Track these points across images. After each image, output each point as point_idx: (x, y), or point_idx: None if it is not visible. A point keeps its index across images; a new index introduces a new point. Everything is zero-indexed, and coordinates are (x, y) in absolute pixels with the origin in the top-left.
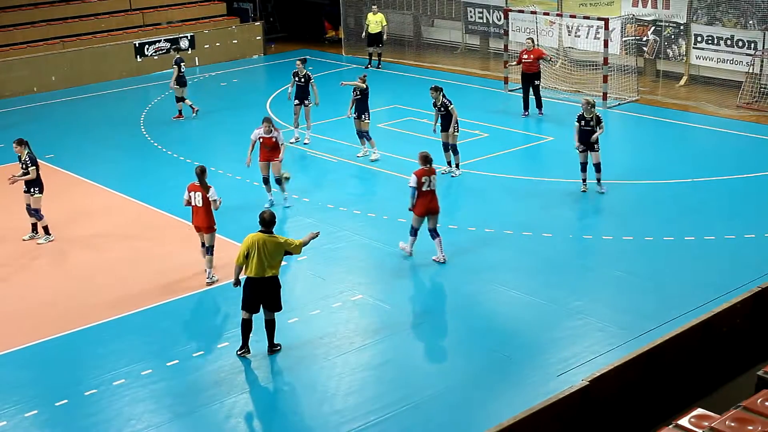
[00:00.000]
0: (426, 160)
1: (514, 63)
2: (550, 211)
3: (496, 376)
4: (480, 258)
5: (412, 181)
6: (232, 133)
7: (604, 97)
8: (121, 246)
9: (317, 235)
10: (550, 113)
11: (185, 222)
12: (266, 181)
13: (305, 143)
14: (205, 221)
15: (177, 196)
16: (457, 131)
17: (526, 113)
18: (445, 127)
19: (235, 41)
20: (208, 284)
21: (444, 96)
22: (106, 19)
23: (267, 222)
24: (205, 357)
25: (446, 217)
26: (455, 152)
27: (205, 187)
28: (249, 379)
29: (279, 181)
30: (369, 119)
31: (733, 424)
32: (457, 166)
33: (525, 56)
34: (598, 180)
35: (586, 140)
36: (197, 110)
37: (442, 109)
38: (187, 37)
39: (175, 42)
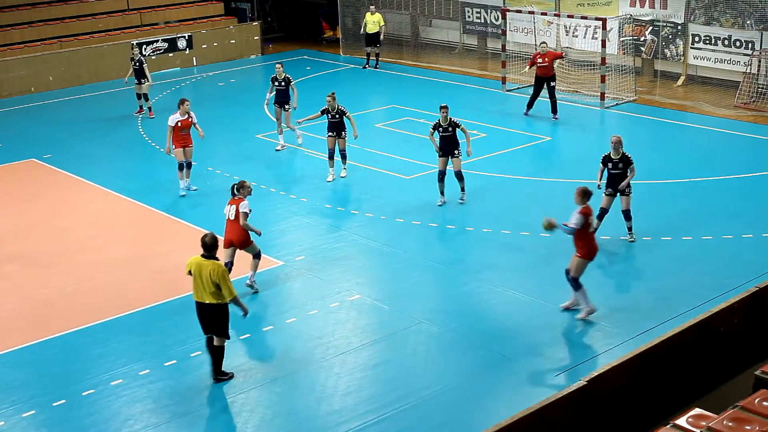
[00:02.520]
0: (587, 195)
1: (527, 68)
2: (548, 211)
3: (494, 376)
4: (478, 258)
5: (578, 220)
6: (229, 132)
7: (602, 97)
8: (118, 246)
9: (246, 314)
10: (547, 113)
11: (182, 222)
12: (182, 167)
13: (299, 143)
14: (236, 235)
15: (175, 196)
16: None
17: (528, 113)
18: (448, 152)
19: (233, 41)
20: (248, 285)
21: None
22: (104, 19)
23: (207, 246)
24: (203, 357)
25: (444, 218)
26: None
27: (237, 200)
28: (247, 379)
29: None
30: (357, 132)
31: (730, 424)
32: (462, 189)
33: (540, 60)
34: (629, 229)
35: (615, 185)
36: (142, 112)
37: (450, 129)
38: (184, 37)
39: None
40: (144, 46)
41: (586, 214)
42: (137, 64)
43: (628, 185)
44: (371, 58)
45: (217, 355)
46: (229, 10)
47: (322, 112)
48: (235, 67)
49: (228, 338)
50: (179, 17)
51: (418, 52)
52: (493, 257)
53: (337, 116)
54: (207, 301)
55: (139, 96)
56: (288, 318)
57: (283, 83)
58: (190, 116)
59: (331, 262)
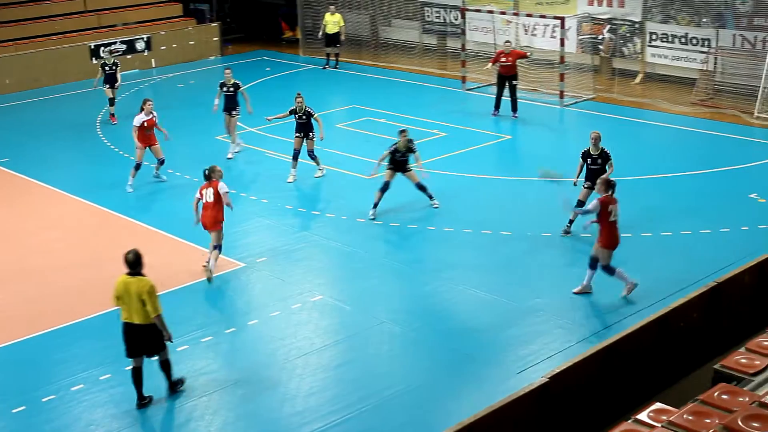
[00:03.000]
0: (610, 186)
1: (489, 65)
2: (508, 210)
3: (456, 374)
4: (440, 257)
5: (593, 206)
6: (189, 134)
7: (561, 95)
8: (77, 250)
9: (169, 339)
10: (507, 112)
11: (142, 224)
12: (138, 167)
13: (228, 158)
14: (211, 219)
15: (134, 199)
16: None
17: (497, 113)
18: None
19: (192, 42)
20: (204, 267)
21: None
22: (61, 21)
23: (130, 263)
24: None
25: (406, 217)
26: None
27: (213, 183)
28: (209, 381)
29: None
30: (323, 134)
31: (690, 418)
32: (430, 197)
33: (503, 59)
34: None
35: (593, 179)
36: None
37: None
38: (143, 38)
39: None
40: (102, 48)
41: (604, 203)
42: (113, 68)
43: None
44: (331, 58)
45: (166, 368)
46: (187, 11)
47: (290, 112)
48: (195, 69)
49: (166, 348)
50: (137, 19)
51: (377, 52)
52: (454, 256)
53: (304, 117)
54: (137, 321)
55: (112, 99)
56: (250, 320)
57: (231, 89)
58: (153, 115)
59: (292, 263)
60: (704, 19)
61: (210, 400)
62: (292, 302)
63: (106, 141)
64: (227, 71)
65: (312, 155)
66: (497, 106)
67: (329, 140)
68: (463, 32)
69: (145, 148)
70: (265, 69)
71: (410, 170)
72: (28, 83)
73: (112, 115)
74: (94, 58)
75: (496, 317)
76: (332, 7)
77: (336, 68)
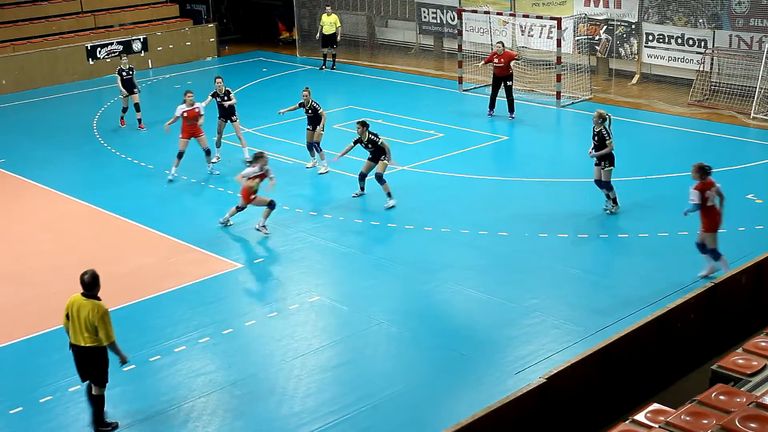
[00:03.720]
0: (704, 171)
1: (481, 63)
2: (506, 210)
3: (453, 375)
4: (437, 258)
5: (694, 196)
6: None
7: (558, 95)
8: (74, 251)
9: (124, 362)
10: (504, 113)
11: (138, 225)
12: (181, 155)
13: (248, 161)
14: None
15: (131, 199)
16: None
17: (492, 113)
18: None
19: (189, 43)
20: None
21: (371, 133)
22: (57, 22)
23: (85, 284)
24: (162, 361)
25: (403, 219)
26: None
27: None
28: (206, 383)
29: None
30: (323, 130)
31: (688, 419)
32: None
33: (496, 60)
34: (607, 197)
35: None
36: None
37: (370, 145)
38: (139, 39)
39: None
40: (99, 49)
41: (701, 189)
42: (129, 72)
43: (602, 158)
44: (328, 59)
45: (96, 405)
46: (184, 11)
47: (299, 106)
48: (191, 69)
49: (105, 386)
50: (134, 19)
51: (374, 53)
52: (452, 257)
53: (310, 111)
54: (83, 344)
55: (125, 109)
56: (247, 321)
57: (225, 97)
58: (196, 106)
59: (290, 263)
60: (701, 20)
61: (208, 401)
62: (289, 303)
63: (102, 142)
64: (219, 80)
65: (317, 148)
66: (492, 106)
67: (325, 141)
68: (460, 33)
69: (189, 139)
70: (261, 70)
71: (381, 160)
72: (25, 84)
73: (139, 120)
74: (90, 59)
75: (494, 318)
76: (329, 8)
77: (333, 69)
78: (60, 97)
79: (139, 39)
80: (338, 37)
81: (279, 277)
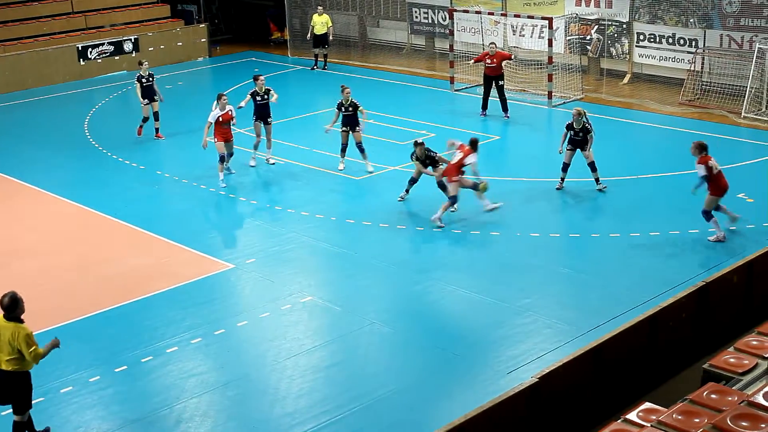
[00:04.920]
0: (702, 148)
1: (471, 62)
2: (497, 210)
3: (446, 375)
4: (429, 258)
5: (701, 170)
6: (177, 135)
7: (549, 95)
8: (65, 251)
9: (58, 344)
10: (496, 113)
11: (130, 226)
12: (223, 159)
13: (271, 163)
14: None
15: (122, 200)
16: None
17: (484, 113)
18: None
19: (180, 43)
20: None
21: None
22: (48, 23)
23: (5, 306)
24: (154, 362)
25: (394, 219)
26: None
27: None
28: (199, 383)
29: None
30: (360, 130)
31: (680, 417)
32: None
33: (488, 60)
34: (596, 180)
35: (576, 146)
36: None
37: (350, 109)
38: (131, 39)
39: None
40: (90, 50)
41: (704, 163)
42: (149, 79)
43: (585, 143)
44: (319, 59)
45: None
46: (175, 12)
47: (338, 107)
48: (183, 70)
49: (26, 414)
50: (125, 20)
51: (365, 53)
52: (443, 256)
53: (350, 109)
54: (3, 368)
55: (146, 118)
56: (240, 321)
57: (265, 96)
58: (229, 109)
59: (282, 264)
60: (691, 20)
61: (200, 401)
62: (281, 303)
63: (93, 142)
64: (261, 78)
65: (360, 148)
66: (484, 106)
67: (317, 141)
68: (451, 33)
69: (223, 143)
70: (253, 70)
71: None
72: (15, 85)
73: (157, 129)
74: (81, 60)
75: (486, 317)
76: (320, 8)
77: (324, 69)
78: (51, 98)
79: (131, 39)
80: (330, 37)
81: (271, 278)
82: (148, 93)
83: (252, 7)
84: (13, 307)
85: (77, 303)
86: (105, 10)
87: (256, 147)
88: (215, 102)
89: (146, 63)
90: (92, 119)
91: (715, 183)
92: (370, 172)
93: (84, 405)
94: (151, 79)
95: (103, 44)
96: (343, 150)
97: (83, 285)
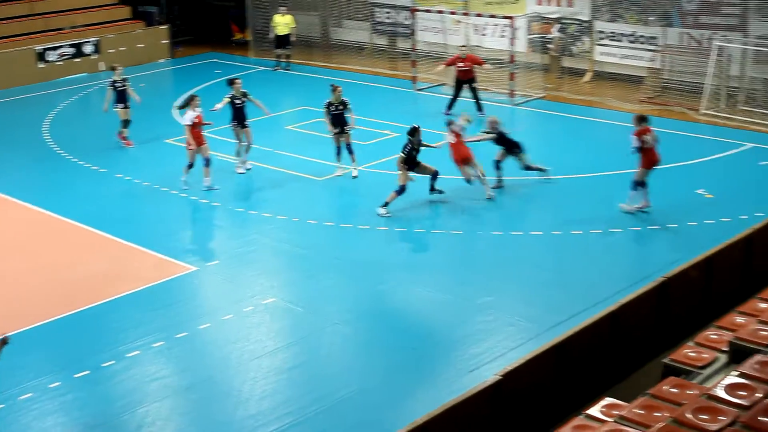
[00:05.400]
0: (642, 119)
1: (441, 67)
2: (459, 209)
3: (409, 374)
4: (391, 257)
5: (634, 141)
6: (138, 138)
7: (512, 94)
8: (22, 256)
9: (7, 341)
10: (458, 111)
11: (91, 229)
12: (191, 166)
13: (248, 168)
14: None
15: (83, 203)
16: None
17: (448, 113)
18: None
19: (141, 45)
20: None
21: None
22: (7, 25)
23: None
24: (116, 367)
25: (357, 219)
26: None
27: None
28: (161, 387)
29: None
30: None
31: (641, 412)
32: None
33: (460, 64)
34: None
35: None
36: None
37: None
38: (91, 41)
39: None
40: (50, 52)
41: (639, 135)
42: (123, 83)
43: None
44: (282, 60)
45: None
46: (136, 13)
47: (326, 107)
48: (144, 72)
49: None
50: (85, 21)
51: (328, 53)
52: (406, 256)
53: (340, 107)
54: None
55: (127, 122)
56: (202, 324)
57: (242, 99)
58: (200, 111)
59: (244, 265)
60: (651, 18)
61: (162, 405)
62: (244, 305)
63: (54, 146)
64: (238, 82)
65: (350, 149)
66: (450, 106)
67: (279, 142)
68: (413, 32)
69: (196, 148)
70: (215, 71)
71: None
72: None
73: (126, 138)
74: (41, 62)
75: (448, 316)
76: (283, 8)
77: (287, 70)
78: (10, 101)
79: (91, 41)
80: (292, 38)
81: (233, 280)
82: (123, 97)
83: (214, 8)
84: None
85: (36, 308)
86: (65, 12)
87: (239, 153)
88: (186, 104)
89: (120, 68)
90: (53, 122)
91: (646, 156)
92: (355, 177)
93: (44, 411)
94: (125, 83)
95: (63, 46)
96: (339, 153)
97: (43, 290)
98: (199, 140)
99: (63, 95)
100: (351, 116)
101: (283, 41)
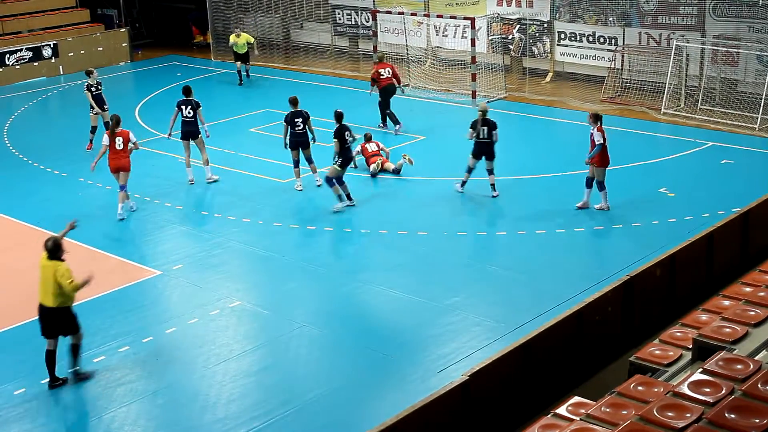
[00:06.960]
0: (598, 117)
1: (371, 90)
2: (424, 210)
3: (377, 376)
4: (357, 259)
5: (598, 137)
6: (98, 142)
7: (473, 95)
8: None
9: (90, 281)
10: (421, 113)
11: (52, 234)
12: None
13: (215, 179)
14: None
15: (42, 208)
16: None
17: (384, 126)
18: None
19: (101, 48)
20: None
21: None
22: None
23: (49, 249)
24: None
25: (322, 221)
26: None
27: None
28: (128, 392)
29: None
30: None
31: (608, 410)
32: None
33: (383, 71)
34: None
35: (482, 151)
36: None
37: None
38: (50, 45)
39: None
40: (7, 56)
41: (602, 131)
42: (98, 87)
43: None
44: (242, 74)
45: (73, 352)
46: (95, 16)
47: (286, 120)
48: (104, 75)
49: (79, 332)
50: (43, 25)
51: (289, 55)
52: (372, 258)
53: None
54: (48, 305)
55: (94, 128)
56: (168, 328)
57: (191, 110)
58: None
59: (209, 269)
60: (611, 18)
61: (129, 410)
62: (210, 309)
63: (13, 150)
64: (187, 87)
65: (309, 160)
66: (384, 119)
67: (242, 144)
68: (375, 34)
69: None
70: (176, 74)
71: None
72: None
73: (91, 141)
74: None
75: (415, 317)
76: (238, 29)
77: (248, 77)
78: None
79: (50, 45)
80: (256, 52)
81: (198, 283)
82: (98, 102)
83: (173, 10)
84: (56, 250)
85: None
86: (22, 15)
87: (188, 165)
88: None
89: (95, 71)
90: (11, 127)
91: (604, 155)
92: (319, 185)
93: (9, 419)
94: (99, 87)
95: (21, 50)
96: (296, 166)
97: (6, 296)
98: (114, 161)
99: (22, 99)
100: (311, 128)
101: (243, 57)
